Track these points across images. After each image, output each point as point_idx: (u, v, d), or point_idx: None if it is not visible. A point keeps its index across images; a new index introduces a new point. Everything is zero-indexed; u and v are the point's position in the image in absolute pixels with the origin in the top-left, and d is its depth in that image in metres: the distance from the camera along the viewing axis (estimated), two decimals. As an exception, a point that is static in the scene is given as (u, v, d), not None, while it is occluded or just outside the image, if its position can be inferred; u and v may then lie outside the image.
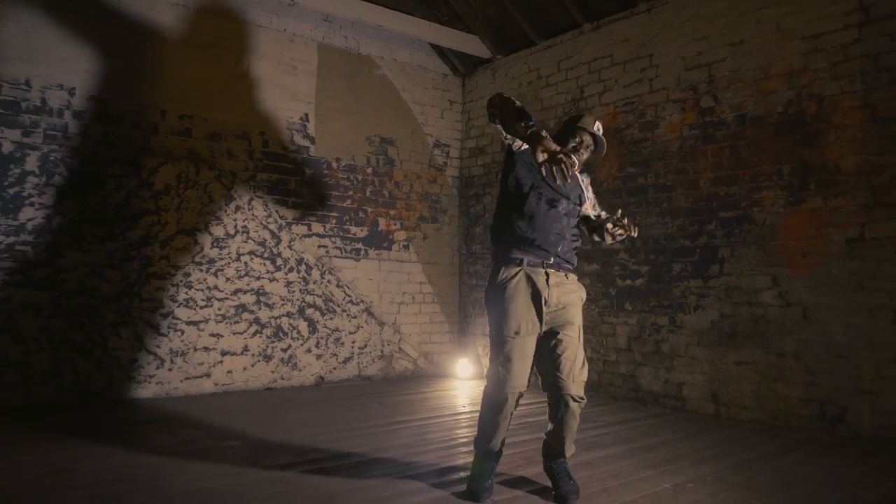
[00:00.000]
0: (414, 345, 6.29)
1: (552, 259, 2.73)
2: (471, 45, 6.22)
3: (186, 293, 4.98)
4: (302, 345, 5.55)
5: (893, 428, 3.66)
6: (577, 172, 2.80)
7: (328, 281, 5.73)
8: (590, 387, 5.20)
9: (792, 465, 3.33)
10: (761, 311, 4.27)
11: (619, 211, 2.77)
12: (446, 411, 4.62)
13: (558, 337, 2.71)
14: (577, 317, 2.78)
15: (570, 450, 2.84)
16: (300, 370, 5.53)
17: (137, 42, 4.90)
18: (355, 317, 5.88)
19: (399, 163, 6.29)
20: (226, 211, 5.20)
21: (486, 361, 6.31)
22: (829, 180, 4.00)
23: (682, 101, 4.79)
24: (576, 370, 2.70)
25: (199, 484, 2.87)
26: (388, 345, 6.10)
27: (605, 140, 2.87)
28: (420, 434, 3.90)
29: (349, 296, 5.85)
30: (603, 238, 2.83)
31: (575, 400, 2.69)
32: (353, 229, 5.95)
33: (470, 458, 3.06)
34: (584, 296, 2.86)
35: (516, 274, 2.71)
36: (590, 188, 3.00)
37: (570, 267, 2.81)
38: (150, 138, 4.93)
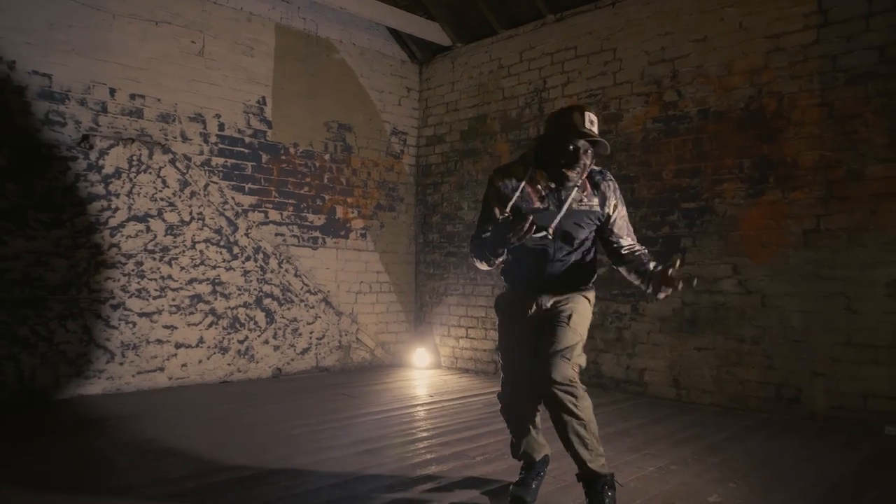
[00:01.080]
0: (371, 335, 6.21)
1: (538, 287, 2.50)
2: (431, 31, 6.16)
3: (139, 283, 4.72)
4: (259, 336, 5.37)
5: (846, 407, 3.90)
6: (585, 186, 2.46)
7: (286, 270, 5.56)
8: (552, 374, 5.31)
9: (760, 444, 3.49)
10: (722, 298, 4.45)
11: (678, 261, 2.24)
12: (416, 401, 4.59)
13: (547, 327, 2.47)
14: (572, 308, 2.49)
15: (593, 462, 2.34)
16: (257, 362, 5.35)
17: (84, 13, 4.57)
18: (313, 307, 5.74)
19: (357, 150, 6.17)
20: (181, 197, 4.95)
21: (443, 350, 6.31)
22: (787, 174, 4.21)
23: (646, 95, 4.91)
24: (555, 349, 2.36)
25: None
26: (346, 335, 5.99)
27: (605, 142, 2.37)
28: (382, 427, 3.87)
29: (307, 285, 5.70)
30: (641, 284, 2.47)
31: (556, 383, 2.29)
32: (311, 217, 5.80)
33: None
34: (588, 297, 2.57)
35: (509, 297, 2.63)
36: (612, 200, 2.49)
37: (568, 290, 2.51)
38: (98, 118, 4.62)
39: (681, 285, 2.24)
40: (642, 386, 4.82)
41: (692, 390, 4.56)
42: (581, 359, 2.43)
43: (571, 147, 2.34)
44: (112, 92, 4.69)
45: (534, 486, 2.61)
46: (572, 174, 2.38)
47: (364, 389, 4.99)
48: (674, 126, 4.75)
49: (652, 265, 2.43)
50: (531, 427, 2.63)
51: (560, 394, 2.29)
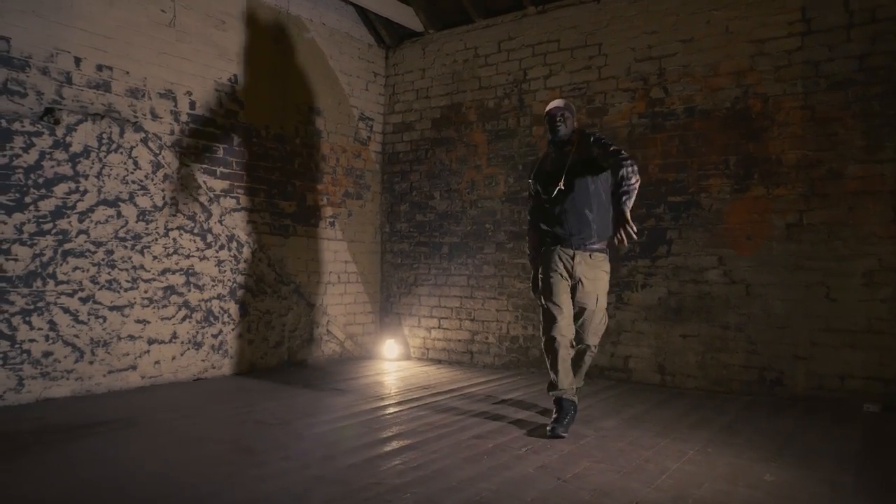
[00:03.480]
0: (340, 326, 6.02)
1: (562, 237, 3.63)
2: (404, 15, 6.01)
3: (109, 273, 4.30)
4: (233, 329, 5.06)
5: (824, 388, 4.25)
6: (568, 143, 3.64)
7: (259, 259, 5.27)
8: (533, 363, 5.39)
9: (769, 424, 3.72)
10: (707, 288, 4.69)
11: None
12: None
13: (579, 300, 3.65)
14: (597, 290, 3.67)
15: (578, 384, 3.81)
16: (231, 357, 5.04)
17: (47, -28, 4.08)
18: (286, 298, 5.48)
19: (326, 134, 5.93)
20: (153, 180, 4.55)
21: (413, 341, 6.23)
22: (771, 171, 4.49)
23: (633, 91, 5.06)
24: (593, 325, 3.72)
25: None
26: (317, 327, 5.77)
27: (571, 106, 3.68)
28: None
29: (279, 275, 5.43)
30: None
31: (592, 347, 3.80)
32: (282, 204, 5.52)
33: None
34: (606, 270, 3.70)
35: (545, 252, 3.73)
36: (588, 147, 3.54)
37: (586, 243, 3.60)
38: (62, 89, 4.14)
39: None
40: (627, 372, 5.00)
41: (677, 375, 4.79)
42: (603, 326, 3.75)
43: (546, 123, 3.68)
44: (77, 61, 4.21)
45: (566, 422, 3.44)
46: (556, 138, 3.64)
47: (353, 383, 4.83)
48: (660, 122, 4.93)
49: (623, 202, 3.30)
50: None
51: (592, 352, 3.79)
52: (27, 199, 3.92)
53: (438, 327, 6.04)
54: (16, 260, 3.88)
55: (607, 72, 5.18)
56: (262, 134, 5.36)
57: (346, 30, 6.12)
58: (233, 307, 5.05)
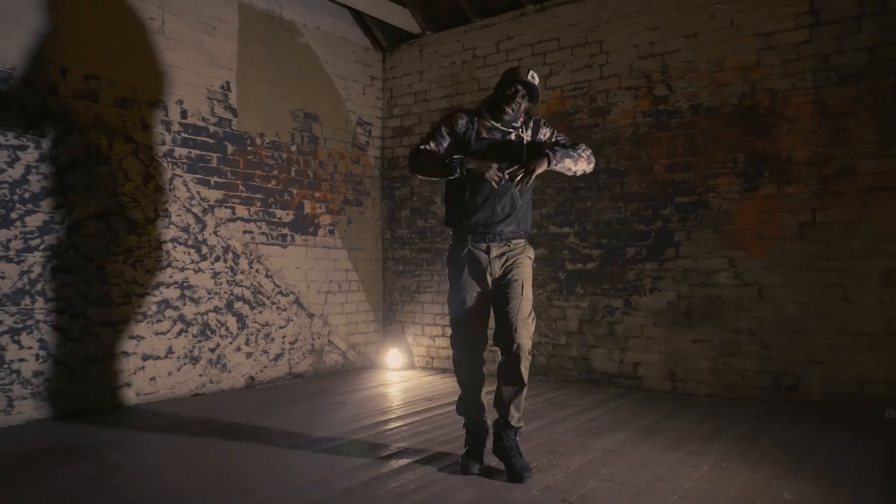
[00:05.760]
0: (342, 336, 5.89)
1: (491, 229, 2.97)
2: (400, 17, 5.88)
3: (101, 289, 4.18)
4: (231, 343, 4.93)
5: (843, 394, 4.08)
6: (521, 129, 2.98)
7: (256, 270, 5.15)
8: (539, 371, 5.24)
9: (783, 435, 3.56)
10: (718, 291, 4.53)
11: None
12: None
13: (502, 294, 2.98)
14: (522, 275, 2.98)
15: (515, 419, 2.95)
16: (230, 371, 4.92)
17: (30, -19, 3.98)
18: (285, 309, 5.36)
19: (323, 140, 5.81)
20: (144, 192, 4.43)
21: (416, 350, 6.10)
22: (782, 169, 4.33)
23: (635, 89, 4.90)
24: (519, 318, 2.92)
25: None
26: (318, 338, 5.64)
27: (538, 88, 2.92)
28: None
29: (278, 286, 5.30)
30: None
31: (521, 348, 2.90)
32: (279, 213, 5.40)
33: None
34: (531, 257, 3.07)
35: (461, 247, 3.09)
36: (545, 130, 3.04)
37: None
38: (47, 101, 4.03)
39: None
40: (636, 380, 4.84)
41: (689, 382, 4.62)
42: (533, 325, 2.98)
43: (511, 90, 2.89)
44: (63, 72, 4.10)
45: (479, 454, 2.96)
46: (508, 110, 2.90)
47: (354, 396, 4.70)
48: (665, 120, 4.77)
49: (553, 155, 2.85)
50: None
51: (522, 358, 2.88)
52: (13, 215, 3.81)
53: (443, 335, 5.90)
54: (2, 278, 3.77)
55: (609, 70, 5.03)
56: (256, 142, 5.24)
57: (340, 33, 5.99)
58: (230, 320, 4.93)
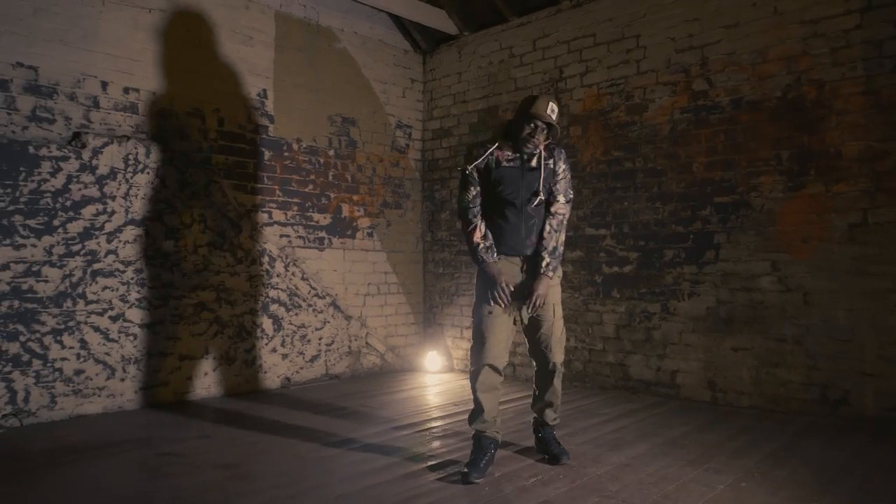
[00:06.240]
0: (380, 338, 5.93)
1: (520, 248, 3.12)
2: (437, 19, 5.86)
3: (139, 292, 4.38)
4: (266, 344, 5.06)
5: (897, 409, 3.75)
6: (541, 155, 3.08)
7: (292, 273, 5.25)
8: (576, 377, 5.09)
9: (821, 453, 3.30)
10: (760, 296, 4.26)
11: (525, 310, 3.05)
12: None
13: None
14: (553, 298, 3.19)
15: (556, 420, 3.30)
16: (265, 372, 5.04)
17: (71, 2, 4.20)
18: (321, 311, 5.44)
19: (361, 144, 5.86)
20: (180, 198, 4.61)
21: (455, 353, 6.06)
22: (829, 166, 4.02)
23: (673, 84, 4.68)
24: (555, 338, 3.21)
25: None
26: (356, 340, 5.70)
27: (558, 127, 3.07)
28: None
29: (314, 289, 5.39)
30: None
31: (557, 364, 3.24)
32: (316, 216, 5.49)
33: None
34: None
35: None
36: (561, 163, 3.13)
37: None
38: (90, 114, 4.26)
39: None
40: (675, 388, 4.62)
41: (729, 392, 4.37)
42: (564, 337, 3.29)
43: (531, 127, 2.99)
44: (104, 85, 4.32)
45: (482, 466, 2.96)
46: (528, 146, 3.04)
47: (385, 399, 4.72)
48: (704, 116, 4.53)
49: (542, 258, 3.05)
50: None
51: (557, 373, 3.22)
52: (55, 223, 4.04)
53: (480, 339, 5.83)
54: (46, 281, 4.00)
55: (646, 65, 4.83)
56: (293, 147, 5.34)
57: (379, 37, 6.03)
58: (266, 322, 5.05)
